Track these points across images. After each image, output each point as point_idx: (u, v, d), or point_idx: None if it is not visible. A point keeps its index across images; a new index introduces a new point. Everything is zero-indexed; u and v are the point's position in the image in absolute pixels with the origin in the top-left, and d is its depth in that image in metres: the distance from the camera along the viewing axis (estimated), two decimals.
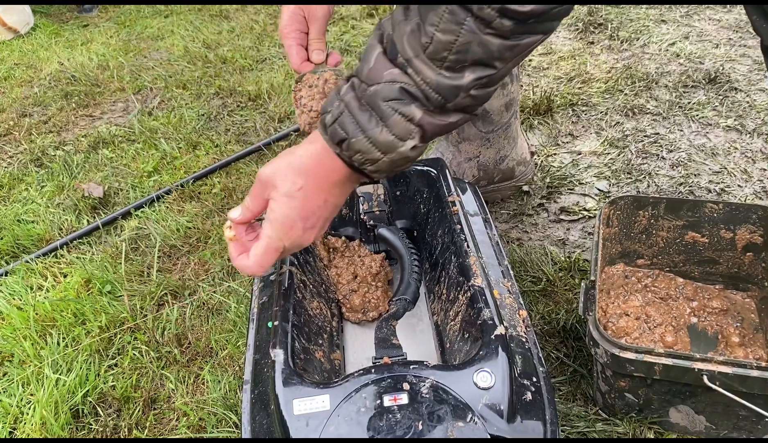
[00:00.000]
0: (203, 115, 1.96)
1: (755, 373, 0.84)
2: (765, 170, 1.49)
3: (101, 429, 1.08)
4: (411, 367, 0.77)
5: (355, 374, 0.78)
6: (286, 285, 0.92)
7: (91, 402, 1.12)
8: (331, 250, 1.11)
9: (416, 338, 1.02)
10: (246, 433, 0.81)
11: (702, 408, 0.93)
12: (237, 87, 2.10)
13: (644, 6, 2.35)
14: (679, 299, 1.16)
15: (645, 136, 1.65)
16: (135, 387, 1.14)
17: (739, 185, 1.45)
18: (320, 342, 0.93)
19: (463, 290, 0.90)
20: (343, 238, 1.12)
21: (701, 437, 0.97)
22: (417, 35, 0.65)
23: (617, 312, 1.13)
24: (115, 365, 1.19)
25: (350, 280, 1.07)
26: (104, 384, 1.14)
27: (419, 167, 1.14)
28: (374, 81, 0.69)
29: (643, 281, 1.20)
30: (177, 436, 1.05)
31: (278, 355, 0.81)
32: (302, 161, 0.75)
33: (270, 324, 0.88)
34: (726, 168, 1.50)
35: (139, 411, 1.09)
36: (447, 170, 1.13)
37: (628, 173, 1.53)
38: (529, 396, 0.78)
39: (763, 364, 0.84)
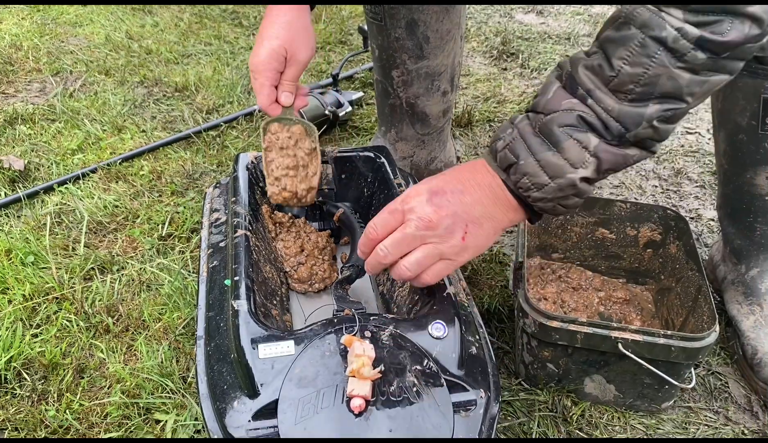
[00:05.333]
0: (128, 101, 1.93)
1: (661, 341, 0.96)
2: (656, 186, 1.68)
3: (27, 394, 1.04)
4: (371, 318, 0.82)
5: (318, 323, 0.82)
6: (243, 247, 0.95)
7: (15, 367, 1.07)
8: (277, 224, 1.15)
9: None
10: (202, 383, 0.82)
11: (613, 378, 1.04)
12: (163, 77, 2.08)
13: (551, 42, 2.57)
14: (589, 289, 1.29)
15: None
16: (64, 355, 1.11)
17: (635, 198, 1.63)
18: (275, 302, 0.96)
19: None
20: (290, 214, 1.16)
21: (609, 406, 1.08)
22: (599, 70, 0.67)
23: (537, 297, 1.24)
24: (41, 333, 1.15)
25: (297, 253, 1.11)
26: (30, 349, 1.10)
27: (365, 153, 1.21)
28: (551, 110, 0.70)
29: (558, 272, 1.32)
30: (111, 401, 1.03)
31: (242, 305, 0.84)
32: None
33: (228, 282, 0.91)
34: (624, 183, 1.68)
35: (69, 377, 1.07)
36: (391, 157, 1.20)
37: None
38: (474, 349, 0.86)
39: (669, 332, 0.96)
